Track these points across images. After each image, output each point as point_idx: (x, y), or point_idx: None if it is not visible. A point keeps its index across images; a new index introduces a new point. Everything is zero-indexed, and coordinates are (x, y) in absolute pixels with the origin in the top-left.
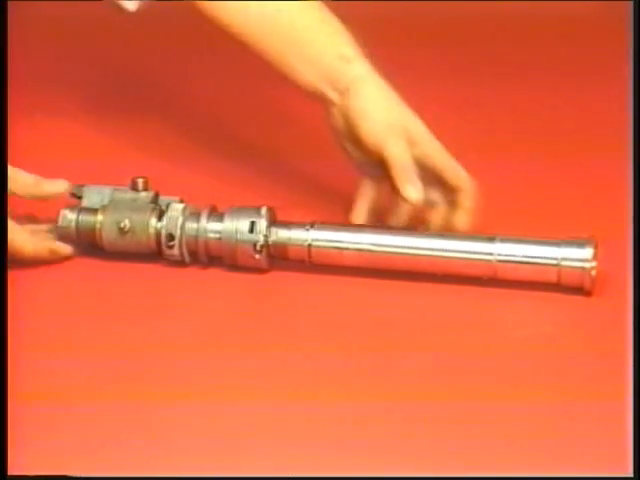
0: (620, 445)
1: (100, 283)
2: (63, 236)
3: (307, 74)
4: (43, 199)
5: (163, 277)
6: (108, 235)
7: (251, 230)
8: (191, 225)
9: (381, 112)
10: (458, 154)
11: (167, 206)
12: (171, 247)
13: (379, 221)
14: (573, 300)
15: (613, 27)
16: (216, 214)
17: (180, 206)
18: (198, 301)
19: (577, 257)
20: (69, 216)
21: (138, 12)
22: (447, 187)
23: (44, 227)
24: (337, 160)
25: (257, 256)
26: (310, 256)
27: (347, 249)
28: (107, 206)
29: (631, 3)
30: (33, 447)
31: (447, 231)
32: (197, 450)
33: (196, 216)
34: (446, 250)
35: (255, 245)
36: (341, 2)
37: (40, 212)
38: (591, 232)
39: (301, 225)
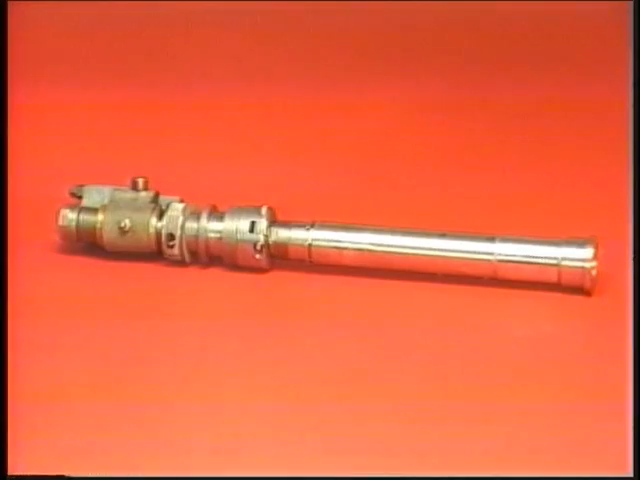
0: (620, 445)
1: (100, 283)
2: (63, 236)
3: None
4: None
5: (163, 277)
6: (108, 235)
7: (251, 230)
8: (191, 225)
9: None
10: (457, 154)
11: (167, 206)
12: (171, 247)
13: None
14: (573, 300)
15: (613, 27)
16: (216, 214)
17: (180, 206)
18: (198, 301)
19: (577, 257)
20: (69, 215)
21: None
22: None
23: None
24: (337, 160)
25: (257, 256)
26: (310, 256)
27: (347, 249)
28: (107, 206)
29: (631, 3)
30: (33, 447)
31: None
32: (198, 450)
33: (196, 216)
34: (446, 250)
35: (255, 245)
36: (341, 2)
37: (40, 212)
38: (591, 232)
39: (301, 225)
